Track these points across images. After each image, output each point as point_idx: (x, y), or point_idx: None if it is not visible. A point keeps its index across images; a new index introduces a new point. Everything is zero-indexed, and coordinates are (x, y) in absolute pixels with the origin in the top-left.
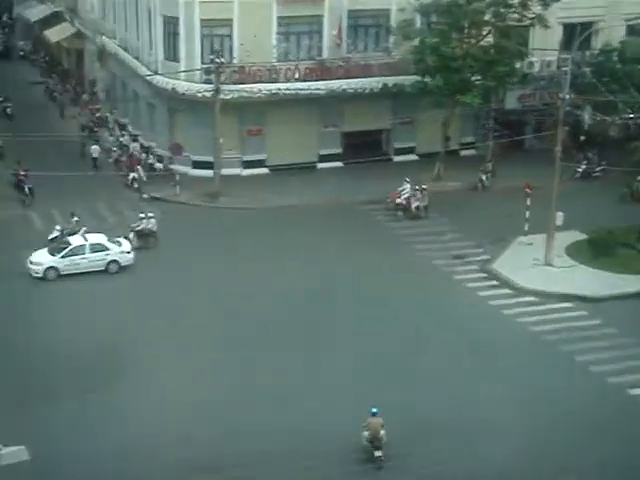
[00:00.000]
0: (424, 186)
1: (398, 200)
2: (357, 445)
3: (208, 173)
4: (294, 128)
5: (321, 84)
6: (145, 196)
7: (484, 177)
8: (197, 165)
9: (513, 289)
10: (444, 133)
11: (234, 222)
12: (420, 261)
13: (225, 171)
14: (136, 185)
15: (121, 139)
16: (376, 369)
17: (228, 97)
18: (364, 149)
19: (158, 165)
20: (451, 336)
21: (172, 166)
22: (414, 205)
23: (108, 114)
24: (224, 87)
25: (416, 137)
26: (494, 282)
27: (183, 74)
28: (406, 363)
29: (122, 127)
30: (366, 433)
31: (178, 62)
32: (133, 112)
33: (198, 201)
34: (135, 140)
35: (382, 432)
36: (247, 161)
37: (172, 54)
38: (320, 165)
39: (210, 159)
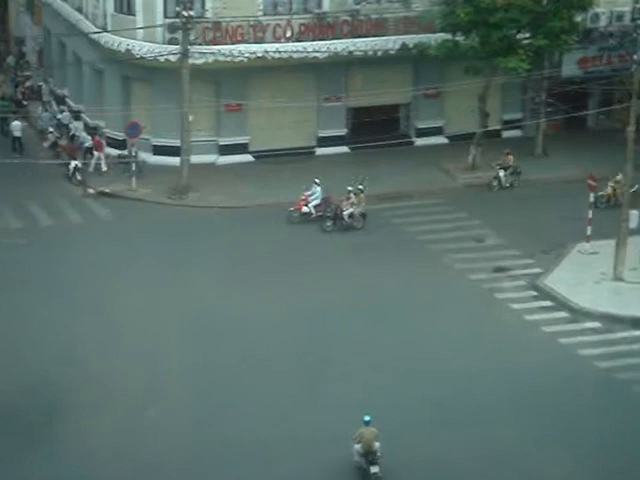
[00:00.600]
0: (360, 187)
1: (305, 209)
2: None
3: (173, 161)
4: (285, 103)
5: (321, 45)
6: (91, 191)
7: (502, 174)
8: (159, 151)
9: (572, 312)
10: (481, 109)
11: (205, 225)
12: (451, 275)
13: (196, 158)
14: (79, 177)
15: (59, 116)
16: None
17: (199, 62)
18: (377, 130)
19: (109, 150)
20: (492, 374)
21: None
22: (347, 212)
23: (41, 83)
24: (194, 49)
25: (444, 114)
26: (547, 303)
27: (140, 32)
28: (437, 414)
29: (60, 101)
30: (358, 446)
31: (134, 16)
32: (74, 81)
33: (160, 197)
34: (77, 118)
35: (377, 444)
36: (224, 145)
37: (126, 5)
38: (319, 151)
39: (176, 143)
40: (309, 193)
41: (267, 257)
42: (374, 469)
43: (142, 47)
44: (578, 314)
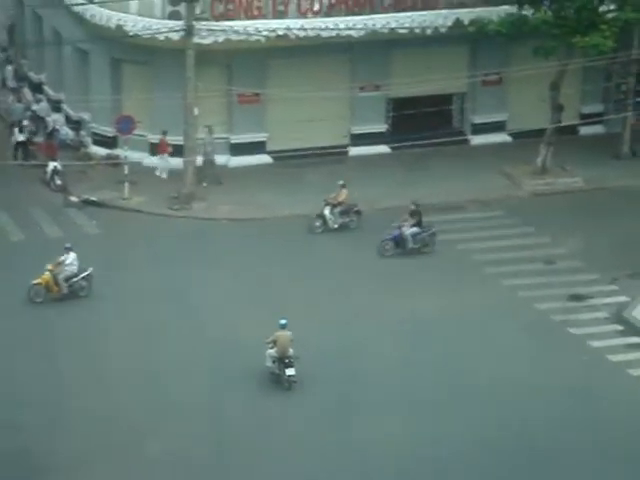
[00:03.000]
0: None
1: None
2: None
3: (175, 163)
4: (312, 92)
5: (356, 21)
6: (73, 199)
7: (327, 212)
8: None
9: None
10: (554, 99)
11: (216, 243)
12: (515, 304)
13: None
14: (59, 181)
15: (34, 107)
16: None
17: (207, 41)
18: (424, 125)
19: (96, 149)
20: (570, 430)
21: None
22: None
23: (11, 66)
24: (200, 25)
25: (508, 106)
26: (636, 339)
27: (134, 3)
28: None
29: (36, 88)
30: (272, 351)
31: None
32: (53, 64)
33: (158, 207)
34: (57, 109)
35: (291, 350)
36: (237, 144)
37: None
38: (353, 150)
39: (179, 141)
40: None
41: (288, 279)
42: (290, 371)
43: (136, 22)
44: None
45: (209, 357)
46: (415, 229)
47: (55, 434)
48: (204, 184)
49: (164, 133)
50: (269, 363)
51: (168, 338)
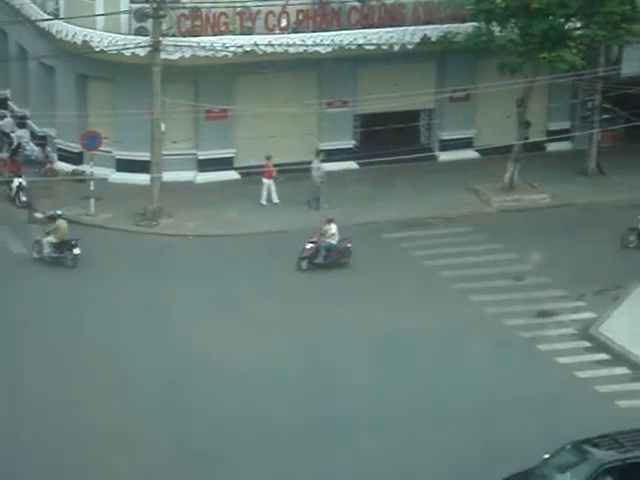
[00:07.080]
0: None
1: None
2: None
3: (141, 179)
4: (279, 108)
5: (323, 37)
6: (38, 215)
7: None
8: (124, 166)
9: (634, 368)
10: (521, 116)
11: (182, 260)
12: (482, 320)
13: (169, 176)
14: (24, 197)
15: None
16: None
17: (174, 57)
18: (391, 142)
19: (61, 165)
20: (537, 446)
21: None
22: None
23: None
24: (167, 41)
25: (475, 122)
26: (603, 356)
27: (101, 19)
28: None
29: (0, 104)
30: (51, 238)
31: (92, 0)
32: (18, 80)
33: (124, 223)
34: (22, 125)
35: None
36: (205, 160)
37: None
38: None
39: (145, 157)
40: None
41: (255, 299)
42: (76, 251)
43: (103, 38)
44: None
45: None
46: None
47: None
48: (306, 207)
49: (268, 158)
50: (47, 249)
51: None
